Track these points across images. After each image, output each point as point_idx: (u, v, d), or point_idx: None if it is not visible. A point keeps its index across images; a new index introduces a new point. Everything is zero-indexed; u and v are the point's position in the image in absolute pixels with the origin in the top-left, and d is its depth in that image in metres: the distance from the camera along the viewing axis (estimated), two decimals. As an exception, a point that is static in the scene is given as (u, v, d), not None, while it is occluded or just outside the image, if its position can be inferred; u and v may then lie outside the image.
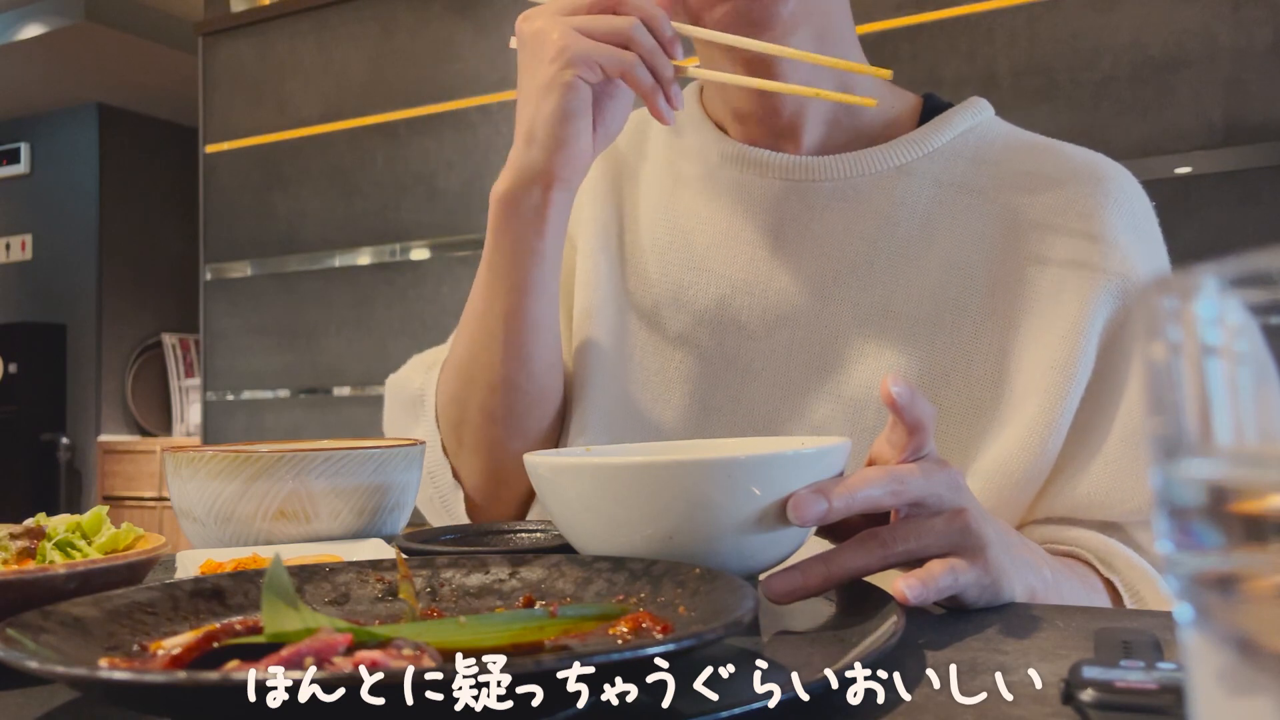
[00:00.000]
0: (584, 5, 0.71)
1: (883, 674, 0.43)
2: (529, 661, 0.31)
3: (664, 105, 0.72)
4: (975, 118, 0.83)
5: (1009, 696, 0.40)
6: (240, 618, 0.42)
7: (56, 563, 0.53)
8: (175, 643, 0.38)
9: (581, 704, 0.37)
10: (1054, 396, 0.73)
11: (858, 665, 0.40)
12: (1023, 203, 0.79)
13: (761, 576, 0.54)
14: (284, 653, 0.32)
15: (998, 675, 0.43)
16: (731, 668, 0.43)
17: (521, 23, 0.73)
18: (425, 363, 0.90)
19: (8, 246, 5.63)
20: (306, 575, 0.49)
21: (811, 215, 0.82)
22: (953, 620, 0.54)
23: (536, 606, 0.47)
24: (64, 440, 5.32)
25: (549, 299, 0.78)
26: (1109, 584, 0.72)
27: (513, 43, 0.77)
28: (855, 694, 0.41)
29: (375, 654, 0.32)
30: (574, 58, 0.69)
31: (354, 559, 0.56)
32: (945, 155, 0.82)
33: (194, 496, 0.66)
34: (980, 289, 0.78)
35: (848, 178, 0.81)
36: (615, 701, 0.39)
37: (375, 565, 0.50)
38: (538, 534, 0.70)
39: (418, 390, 0.87)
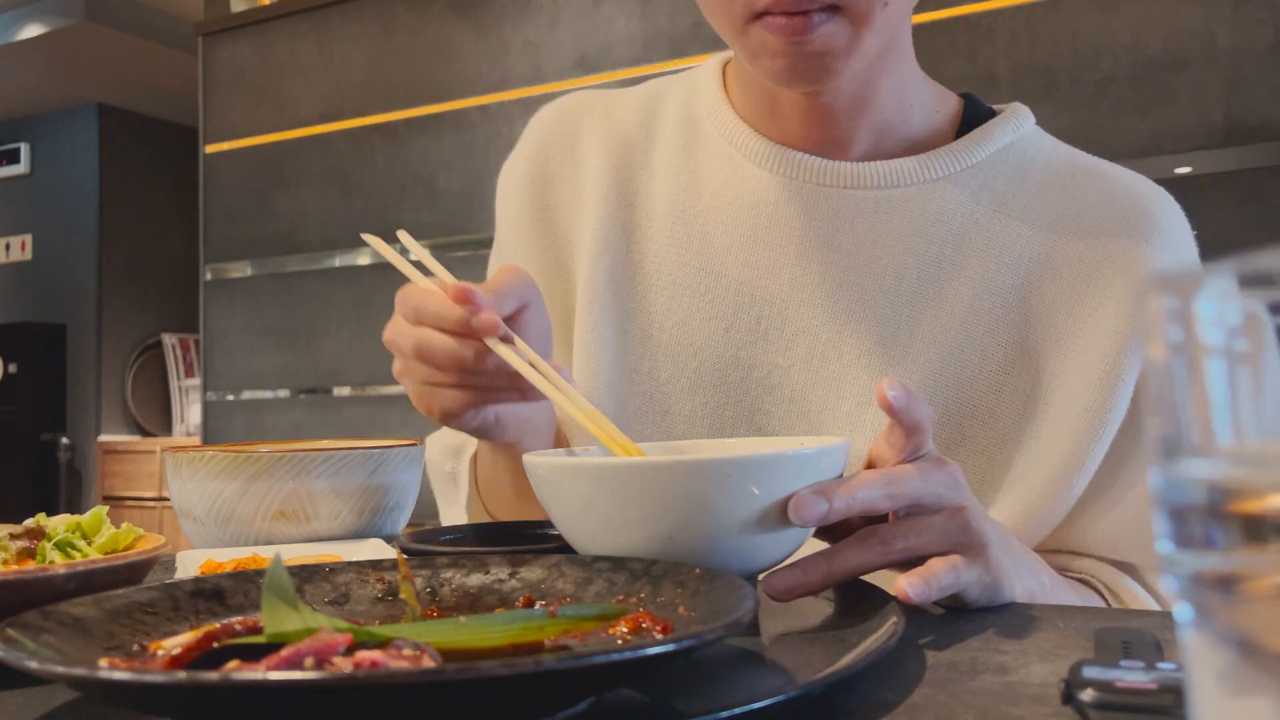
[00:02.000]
0: (412, 354, 0.64)
1: (883, 674, 0.43)
2: (529, 661, 0.31)
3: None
4: (1017, 130, 0.79)
5: (1009, 696, 0.40)
6: (240, 618, 0.42)
7: (56, 563, 0.53)
8: (175, 643, 0.38)
9: (582, 704, 0.37)
10: (1085, 440, 0.71)
11: (858, 665, 0.40)
12: (1062, 233, 0.75)
13: (761, 575, 0.54)
14: (284, 653, 0.32)
15: (998, 675, 0.43)
16: (731, 668, 0.43)
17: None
18: (446, 445, 0.88)
19: (8, 246, 5.63)
20: (306, 575, 0.49)
21: (840, 225, 0.77)
22: (953, 620, 0.54)
23: (536, 606, 0.47)
24: (64, 440, 5.32)
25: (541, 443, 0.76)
26: None
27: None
28: (856, 694, 0.41)
29: (375, 654, 0.32)
30: (439, 416, 0.66)
31: (354, 559, 0.56)
32: (984, 171, 0.77)
33: (194, 496, 0.66)
34: (1013, 319, 0.74)
35: (880, 188, 0.77)
36: (615, 701, 0.39)
37: (375, 565, 0.50)
38: (538, 534, 0.70)
39: (449, 472, 0.87)
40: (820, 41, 0.67)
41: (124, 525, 0.59)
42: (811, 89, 0.73)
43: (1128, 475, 0.73)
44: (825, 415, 0.76)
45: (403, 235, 0.69)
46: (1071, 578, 0.74)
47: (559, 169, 0.86)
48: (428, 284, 0.65)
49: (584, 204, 0.84)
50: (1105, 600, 0.73)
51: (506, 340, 0.62)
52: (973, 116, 0.81)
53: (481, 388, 0.64)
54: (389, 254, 0.68)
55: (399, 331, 0.64)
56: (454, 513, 0.87)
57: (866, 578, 0.55)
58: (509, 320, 0.63)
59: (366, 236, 0.72)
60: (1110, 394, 0.71)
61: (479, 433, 0.69)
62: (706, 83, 0.85)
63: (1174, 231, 0.76)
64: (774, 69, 0.70)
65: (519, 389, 0.63)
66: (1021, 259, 0.75)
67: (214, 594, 0.46)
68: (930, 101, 0.81)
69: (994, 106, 0.82)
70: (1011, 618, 0.55)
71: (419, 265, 0.67)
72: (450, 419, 0.66)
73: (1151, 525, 0.72)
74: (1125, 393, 0.72)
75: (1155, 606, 0.72)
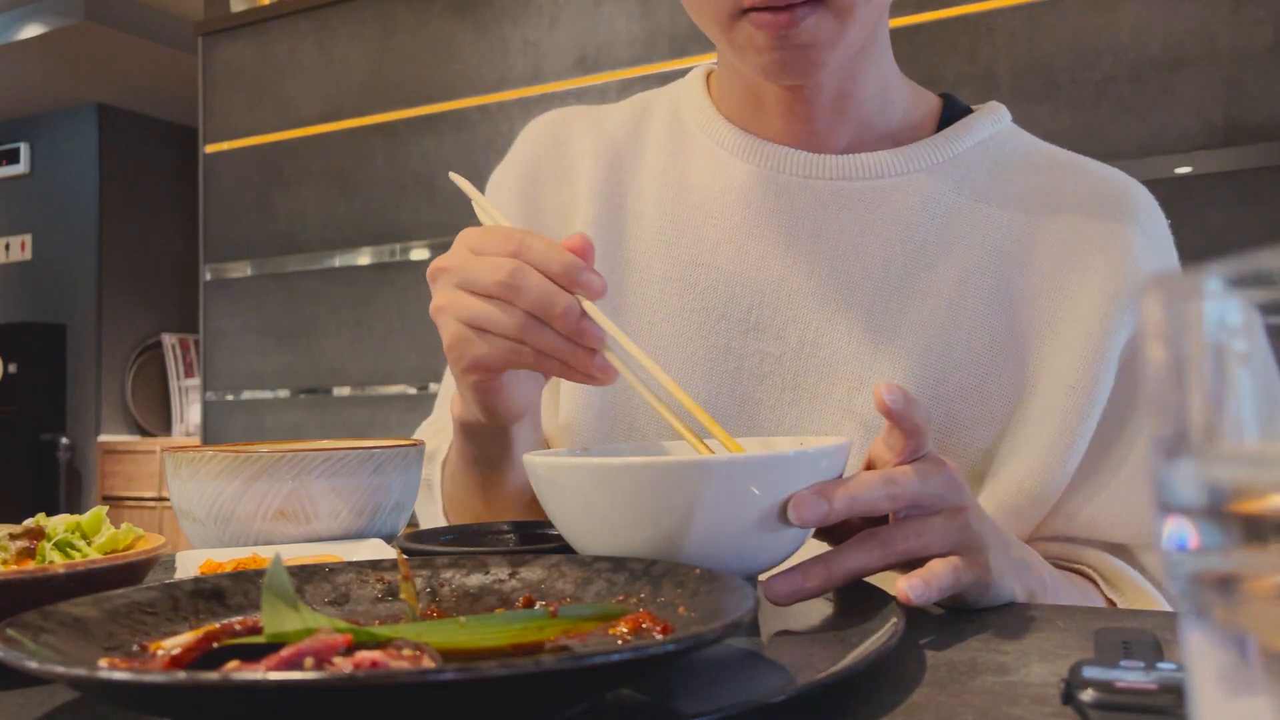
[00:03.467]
0: (481, 286, 0.61)
1: (883, 674, 0.43)
2: (529, 661, 0.31)
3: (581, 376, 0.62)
4: (995, 125, 0.82)
5: (1009, 696, 0.40)
6: (240, 618, 0.42)
7: (56, 563, 0.53)
8: (175, 643, 0.38)
9: (582, 704, 0.37)
10: (1073, 419, 0.72)
11: (858, 666, 0.40)
12: (1043, 221, 0.77)
13: (761, 578, 0.54)
14: (284, 653, 0.32)
15: (998, 675, 0.43)
16: (731, 668, 0.43)
17: (429, 274, 0.65)
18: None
19: (8, 246, 5.63)
20: (306, 575, 0.49)
21: (827, 216, 0.79)
22: (953, 620, 0.54)
23: (536, 606, 0.47)
24: (64, 440, 5.32)
25: (522, 452, 0.75)
26: (1111, 604, 0.72)
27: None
28: (856, 694, 0.41)
29: (375, 654, 0.32)
30: (467, 365, 0.64)
31: (354, 559, 0.56)
32: (964, 163, 0.80)
33: (194, 496, 0.66)
34: (997, 304, 0.76)
35: (866, 179, 0.79)
36: (615, 701, 0.39)
37: (375, 565, 0.50)
38: (538, 534, 0.70)
39: (425, 478, 0.86)
40: (806, 35, 0.69)
41: (124, 525, 0.59)
42: (798, 82, 0.74)
43: (1116, 455, 0.74)
44: (817, 403, 0.77)
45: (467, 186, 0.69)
46: (1065, 567, 0.74)
47: (548, 177, 0.88)
48: (506, 221, 0.65)
49: (575, 210, 0.86)
50: (1103, 591, 0.73)
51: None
52: (951, 113, 0.83)
53: (536, 348, 0.60)
54: (476, 195, 0.67)
55: (468, 262, 0.60)
56: (429, 521, 0.87)
57: (867, 579, 0.55)
58: None
59: (454, 176, 0.69)
60: (1095, 373, 0.73)
61: (490, 397, 0.67)
62: (691, 90, 0.88)
63: (1150, 217, 0.78)
64: (761, 63, 0.71)
65: (568, 363, 0.60)
66: (1004, 245, 0.77)
67: (214, 594, 0.46)
68: (909, 98, 0.83)
69: (971, 106, 0.84)
70: (1011, 618, 0.55)
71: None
72: (481, 371, 0.64)
73: (1142, 504, 0.73)
74: (1109, 372, 0.73)
75: (1151, 589, 0.72)
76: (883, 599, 0.51)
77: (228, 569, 0.56)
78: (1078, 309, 0.74)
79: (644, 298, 0.82)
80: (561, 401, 0.83)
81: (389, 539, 0.68)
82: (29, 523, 0.59)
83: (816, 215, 0.79)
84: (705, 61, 0.90)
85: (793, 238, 0.79)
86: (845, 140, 0.81)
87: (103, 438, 5.24)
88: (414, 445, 0.71)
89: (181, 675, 0.30)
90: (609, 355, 0.60)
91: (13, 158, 5.62)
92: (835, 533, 0.57)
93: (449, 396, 0.89)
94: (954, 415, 0.75)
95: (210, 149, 3.10)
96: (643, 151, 0.87)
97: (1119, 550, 0.75)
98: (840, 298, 0.78)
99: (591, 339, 0.59)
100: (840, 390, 0.77)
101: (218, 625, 0.37)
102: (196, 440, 4.66)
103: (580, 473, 0.51)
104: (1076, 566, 0.75)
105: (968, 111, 0.83)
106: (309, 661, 0.32)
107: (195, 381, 5.37)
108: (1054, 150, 0.83)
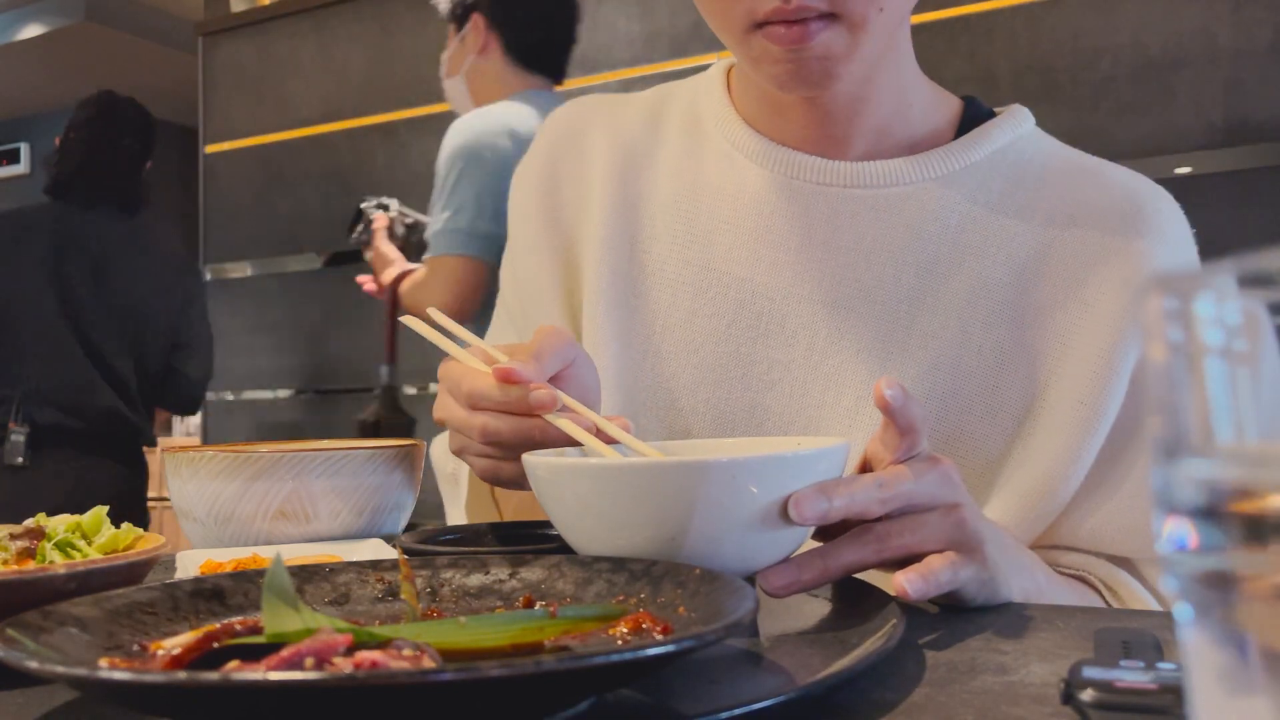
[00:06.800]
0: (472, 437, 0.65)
1: (883, 674, 0.43)
2: (529, 661, 0.31)
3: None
4: (1015, 130, 0.80)
5: (1009, 696, 0.40)
6: (240, 618, 0.42)
7: (56, 563, 0.53)
8: (175, 643, 0.38)
9: (582, 704, 0.37)
10: (1081, 434, 0.72)
11: (857, 666, 0.40)
12: (1059, 231, 0.76)
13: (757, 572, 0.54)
14: (284, 653, 0.32)
15: (998, 675, 0.43)
16: (731, 668, 0.43)
17: (436, 420, 0.68)
18: (448, 447, 0.89)
19: (8, 246, 5.63)
20: (306, 575, 0.49)
21: (840, 223, 0.78)
22: (952, 620, 0.54)
23: (536, 607, 0.47)
24: (64, 440, 5.31)
25: None
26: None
27: None
28: (855, 694, 0.41)
29: (375, 654, 0.32)
30: (501, 485, 0.67)
31: (354, 559, 0.56)
32: (982, 171, 0.78)
33: (194, 496, 0.66)
34: (1009, 315, 0.75)
35: (880, 186, 0.78)
36: (615, 702, 0.39)
37: (375, 565, 0.50)
38: (538, 534, 0.70)
39: (451, 473, 0.88)
40: (820, 48, 0.69)
41: (124, 525, 0.59)
42: (812, 93, 0.74)
43: (1121, 469, 0.74)
44: (825, 410, 0.77)
45: (433, 312, 0.69)
46: (1067, 574, 0.74)
47: (567, 171, 0.87)
48: (467, 357, 0.65)
49: (590, 205, 0.85)
50: (1102, 596, 0.73)
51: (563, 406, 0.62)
52: (972, 118, 0.81)
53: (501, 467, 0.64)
54: (428, 333, 0.67)
55: (454, 415, 0.64)
56: (455, 513, 0.88)
57: (866, 578, 0.55)
58: (554, 379, 0.63)
59: (404, 318, 0.70)
60: (1105, 388, 0.72)
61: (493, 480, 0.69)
62: (710, 86, 0.87)
63: (1171, 228, 0.77)
64: (775, 75, 0.71)
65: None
66: (1018, 255, 0.76)
67: (214, 594, 0.46)
68: (930, 102, 0.82)
69: (994, 109, 0.83)
70: (1011, 618, 0.55)
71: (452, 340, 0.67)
72: (520, 487, 0.66)
73: (1146, 518, 0.72)
74: (1120, 387, 0.73)
75: (1152, 601, 0.72)
76: (882, 599, 0.51)
77: (228, 569, 0.56)
78: (1092, 324, 0.73)
79: (657, 301, 0.82)
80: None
81: (389, 539, 0.68)
82: (29, 523, 0.59)
83: (829, 222, 0.78)
84: (727, 57, 0.89)
85: (805, 244, 0.79)
86: (862, 145, 0.80)
87: (103, 438, 5.22)
88: (414, 445, 0.71)
89: (181, 675, 0.30)
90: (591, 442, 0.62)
91: (13, 158, 5.62)
92: (831, 532, 0.57)
93: None
94: (963, 427, 0.75)
95: (210, 149, 3.10)
96: (657, 148, 0.86)
97: (1122, 563, 0.75)
98: (851, 306, 0.77)
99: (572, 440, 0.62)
100: (848, 399, 0.76)
101: (218, 625, 0.37)
102: (196, 440, 4.66)
103: (580, 473, 0.51)
104: (1077, 572, 0.75)
105: (989, 115, 0.82)
106: (309, 661, 0.32)
107: (195, 381, 5.36)
108: (1074, 156, 0.81)
